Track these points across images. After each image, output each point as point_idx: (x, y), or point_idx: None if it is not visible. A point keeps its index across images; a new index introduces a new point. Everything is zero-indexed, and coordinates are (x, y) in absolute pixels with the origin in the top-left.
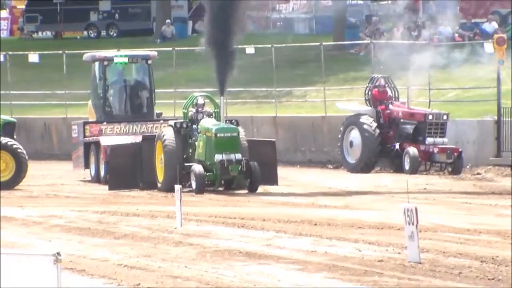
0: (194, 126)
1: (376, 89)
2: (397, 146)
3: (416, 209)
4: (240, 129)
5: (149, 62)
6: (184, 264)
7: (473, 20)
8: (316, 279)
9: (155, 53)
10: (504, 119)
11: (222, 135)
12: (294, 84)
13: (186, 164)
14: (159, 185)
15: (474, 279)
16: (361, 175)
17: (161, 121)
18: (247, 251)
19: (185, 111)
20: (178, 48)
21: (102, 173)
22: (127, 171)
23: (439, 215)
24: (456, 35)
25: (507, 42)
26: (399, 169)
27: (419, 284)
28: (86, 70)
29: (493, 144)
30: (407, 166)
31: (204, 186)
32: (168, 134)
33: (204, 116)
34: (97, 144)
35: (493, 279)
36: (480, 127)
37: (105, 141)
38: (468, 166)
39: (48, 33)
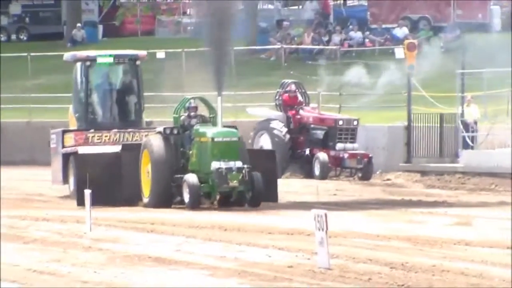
0: (187, 132)
1: (287, 94)
2: (307, 151)
3: (326, 215)
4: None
5: (138, 62)
6: (94, 269)
7: (383, 26)
8: (226, 285)
9: (145, 53)
10: (414, 125)
11: (220, 139)
12: (205, 89)
13: (177, 176)
14: (145, 200)
15: (383, 285)
16: None
17: (157, 129)
18: (157, 256)
19: (176, 115)
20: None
21: None
22: (101, 184)
23: (349, 220)
24: (367, 40)
25: (418, 48)
26: (309, 174)
27: None
28: None
29: (403, 150)
30: (317, 172)
31: (199, 200)
32: (156, 142)
33: (198, 121)
34: (76, 155)
35: (403, 285)
36: (390, 133)
37: (83, 151)
38: (378, 172)
39: None
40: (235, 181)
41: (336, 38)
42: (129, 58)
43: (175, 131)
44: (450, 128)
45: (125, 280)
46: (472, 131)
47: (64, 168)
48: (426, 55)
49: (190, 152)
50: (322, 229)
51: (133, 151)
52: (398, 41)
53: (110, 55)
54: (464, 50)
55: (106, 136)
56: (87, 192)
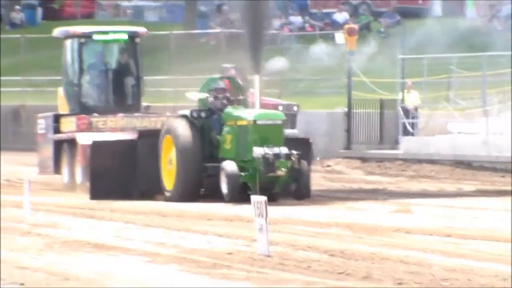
0: (214, 116)
1: (227, 80)
2: None
3: (265, 202)
4: None
5: (137, 40)
6: (32, 255)
7: (323, 10)
8: (165, 271)
9: (145, 30)
10: (355, 111)
11: (263, 122)
12: (145, 73)
13: (206, 164)
14: (167, 193)
15: (323, 272)
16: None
17: (168, 114)
18: (96, 242)
19: (202, 97)
20: (27, 35)
21: (78, 179)
22: (115, 176)
23: (289, 207)
24: (307, 25)
25: (358, 33)
26: None
27: (268, 278)
28: None
29: (343, 136)
30: None
31: (239, 190)
32: (182, 126)
33: (226, 103)
34: (71, 142)
35: (342, 273)
36: (330, 119)
37: (83, 138)
38: (318, 158)
39: None
40: (283, 169)
41: (277, 22)
42: (127, 35)
43: (203, 115)
44: (391, 114)
45: (64, 266)
46: (413, 118)
47: (56, 156)
48: (366, 40)
49: (220, 137)
50: (262, 216)
51: (151, 138)
52: (338, 26)
53: (107, 32)
54: (404, 35)
55: (111, 121)
56: (27, 179)
